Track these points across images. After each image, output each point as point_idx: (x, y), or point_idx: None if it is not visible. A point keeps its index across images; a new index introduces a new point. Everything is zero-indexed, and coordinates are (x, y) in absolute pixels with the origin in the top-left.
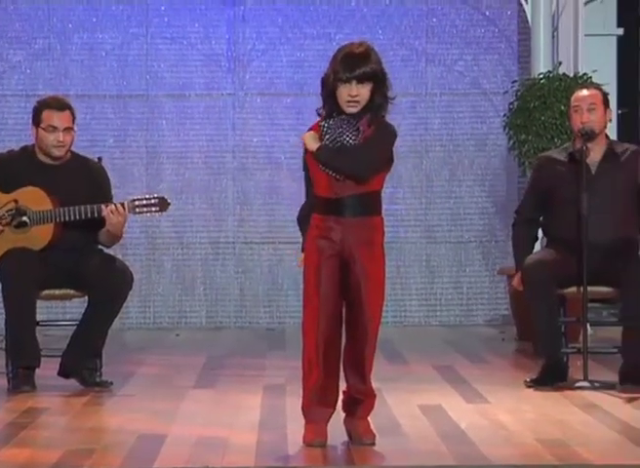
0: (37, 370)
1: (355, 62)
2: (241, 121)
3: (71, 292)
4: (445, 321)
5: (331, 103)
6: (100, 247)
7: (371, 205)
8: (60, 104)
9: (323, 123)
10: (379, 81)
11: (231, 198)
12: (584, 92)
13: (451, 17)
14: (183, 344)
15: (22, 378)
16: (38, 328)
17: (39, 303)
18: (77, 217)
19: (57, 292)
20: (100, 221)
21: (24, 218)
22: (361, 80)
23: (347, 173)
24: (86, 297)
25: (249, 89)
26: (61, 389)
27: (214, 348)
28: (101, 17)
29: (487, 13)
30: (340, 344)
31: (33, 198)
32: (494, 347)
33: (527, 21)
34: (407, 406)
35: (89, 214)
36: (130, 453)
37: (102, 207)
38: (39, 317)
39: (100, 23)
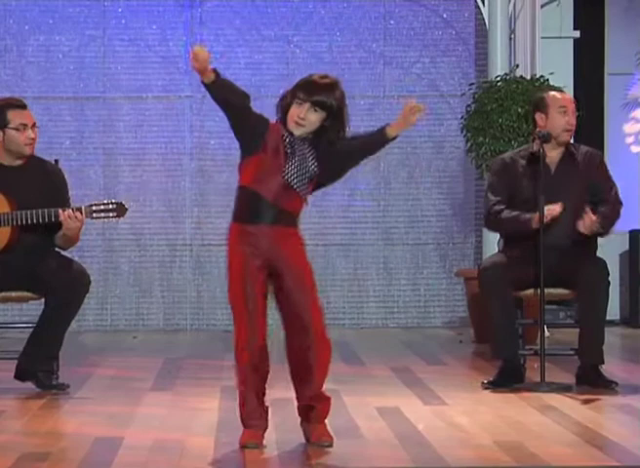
0: None
1: (314, 89)
2: (198, 123)
3: (28, 294)
4: (402, 323)
5: (281, 118)
6: (57, 249)
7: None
8: (21, 103)
9: (284, 133)
10: (333, 115)
11: (189, 200)
12: (566, 95)
13: (408, 19)
14: (141, 347)
15: None
16: None
17: None
18: (34, 221)
19: (13, 294)
20: (57, 224)
21: None
22: (315, 106)
23: None
24: (43, 300)
25: (206, 91)
26: (17, 392)
27: (171, 351)
28: (58, 18)
29: (444, 15)
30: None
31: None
32: (451, 349)
33: (484, 24)
34: (364, 408)
35: (46, 219)
36: (86, 457)
37: (60, 211)
38: None
39: (57, 25)
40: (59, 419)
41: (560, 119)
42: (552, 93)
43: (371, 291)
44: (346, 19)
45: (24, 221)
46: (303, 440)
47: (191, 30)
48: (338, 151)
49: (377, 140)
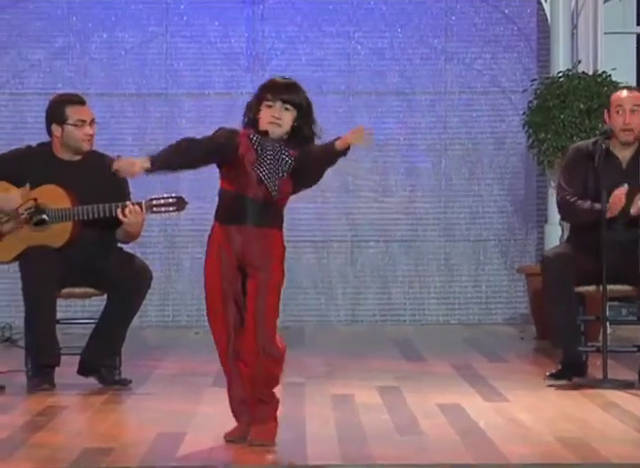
0: (56, 369)
1: (282, 88)
2: None
3: (91, 290)
4: (464, 319)
5: (251, 125)
6: (119, 244)
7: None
8: (80, 99)
9: (252, 136)
10: (302, 111)
11: None
12: (625, 92)
13: (470, 15)
14: (202, 343)
15: (42, 377)
16: (57, 326)
17: (58, 301)
18: (95, 216)
19: (76, 290)
20: (118, 219)
21: (43, 216)
22: (285, 102)
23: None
24: (105, 296)
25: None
26: (80, 387)
27: None
28: (121, 15)
29: (506, 11)
30: None
31: (52, 196)
32: (512, 346)
33: (546, 20)
34: (425, 404)
35: (107, 213)
36: (148, 453)
37: (120, 206)
38: (58, 315)
39: (120, 22)
40: (121, 415)
41: (616, 118)
42: (619, 92)
43: (432, 287)
44: (408, 16)
45: (86, 216)
46: (365, 435)
47: (253, 27)
48: (309, 153)
49: (328, 153)
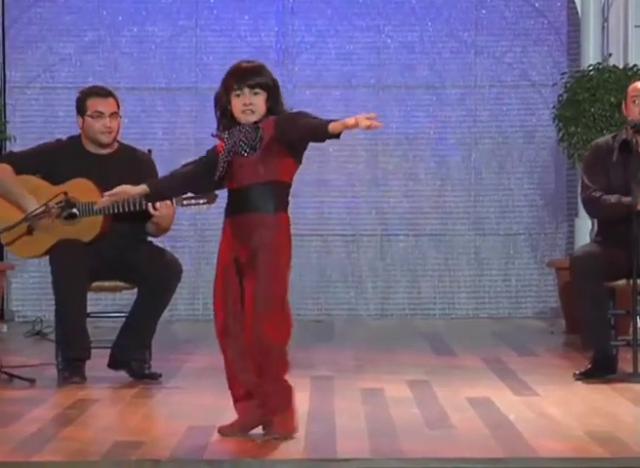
0: (87, 362)
1: (246, 74)
2: None
3: (121, 283)
4: (493, 313)
5: (226, 122)
6: (149, 238)
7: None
8: (103, 91)
9: (223, 135)
10: (271, 91)
11: None
12: None
13: (500, 8)
14: None
15: (73, 370)
16: (88, 319)
17: (89, 295)
18: (126, 209)
19: (106, 283)
20: (148, 213)
21: (74, 210)
22: (253, 87)
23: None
24: (135, 289)
25: (298, 81)
26: (111, 381)
27: None
28: (151, 9)
29: (536, 4)
30: None
31: (82, 189)
32: (542, 340)
33: (576, 13)
34: (455, 398)
35: (137, 207)
36: (178, 446)
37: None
38: (89, 309)
39: (150, 16)
40: (151, 408)
41: (632, 108)
42: (635, 82)
43: (462, 281)
44: (438, 9)
45: (116, 210)
46: (394, 429)
47: (283, 21)
48: (293, 119)
49: (320, 131)
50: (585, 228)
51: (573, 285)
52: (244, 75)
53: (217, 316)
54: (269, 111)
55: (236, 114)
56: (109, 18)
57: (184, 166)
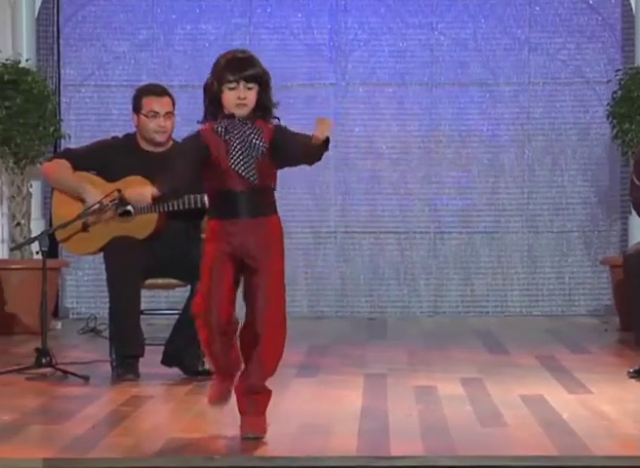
0: (141, 359)
1: (241, 65)
2: (343, 111)
3: (174, 281)
4: (547, 311)
5: (214, 110)
6: (202, 236)
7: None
8: (159, 90)
9: (217, 126)
10: (264, 84)
11: (333, 188)
12: None
13: (554, 5)
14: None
15: (127, 367)
16: (142, 317)
17: (142, 292)
18: (181, 207)
19: (160, 280)
20: (202, 211)
21: (129, 208)
22: (248, 81)
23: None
24: (188, 286)
25: (351, 79)
26: (164, 378)
27: (315, 337)
28: (204, 7)
29: (590, 1)
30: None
31: (137, 187)
32: (596, 338)
33: (631, 9)
34: (508, 395)
35: (192, 204)
36: (231, 441)
37: (205, 197)
38: (142, 306)
39: (203, 14)
40: (204, 406)
41: None
42: None
43: (515, 278)
44: (491, 6)
45: (171, 207)
46: (447, 426)
47: (336, 18)
48: (290, 138)
49: (311, 148)
50: (639, 226)
51: (626, 282)
52: (239, 67)
53: (205, 325)
54: (258, 104)
55: (228, 106)
56: (163, 16)
57: (168, 169)
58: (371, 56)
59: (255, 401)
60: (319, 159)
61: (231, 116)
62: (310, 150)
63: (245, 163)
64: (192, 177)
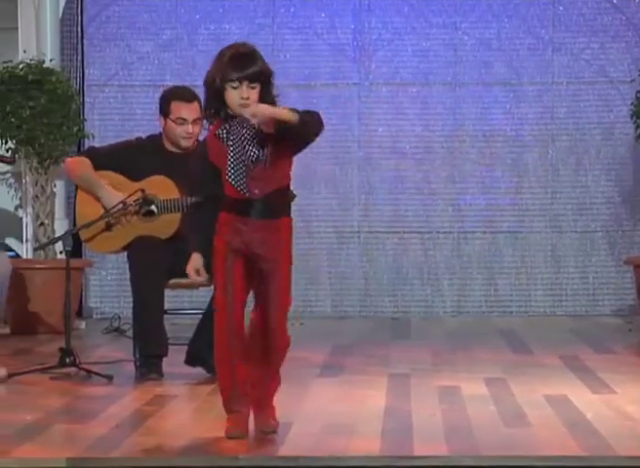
0: (164, 359)
1: (244, 62)
2: (366, 111)
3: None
4: (571, 311)
5: (217, 105)
6: None
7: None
8: (188, 96)
9: (219, 130)
10: (266, 80)
11: (356, 188)
12: None
13: (578, 5)
14: (308, 333)
15: (150, 366)
16: (165, 316)
17: (166, 292)
18: None
19: (183, 280)
20: None
21: (152, 207)
22: (251, 81)
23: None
24: (212, 286)
25: (374, 78)
26: (188, 377)
27: (338, 337)
28: (228, 7)
29: (614, 0)
30: None
31: (162, 187)
32: (620, 338)
33: None
34: (532, 395)
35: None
36: (255, 441)
37: None
38: (166, 306)
39: (227, 14)
40: None
41: None
42: None
43: (539, 278)
44: (515, 6)
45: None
46: (471, 426)
47: (359, 18)
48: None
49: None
50: None
51: None
52: (241, 66)
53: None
54: (260, 101)
55: (232, 106)
56: (186, 16)
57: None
58: (394, 55)
59: (267, 391)
60: (311, 136)
61: (233, 117)
62: (292, 132)
63: (235, 174)
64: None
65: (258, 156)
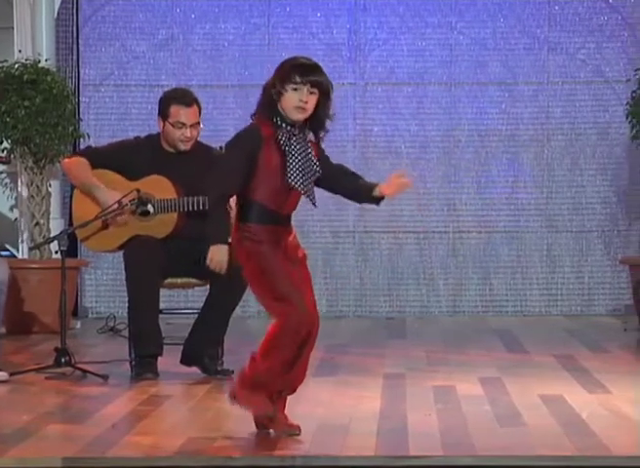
0: (160, 359)
1: (309, 69)
2: (361, 110)
3: (193, 280)
4: (566, 310)
5: (271, 110)
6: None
7: None
8: (187, 100)
9: (278, 133)
10: (325, 95)
11: None
12: None
13: (573, 4)
14: None
15: (145, 366)
16: (161, 316)
17: (161, 292)
18: (201, 207)
19: (179, 280)
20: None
21: (148, 207)
22: (312, 85)
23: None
24: (208, 286)
25: (370, 78)
26: (183, 377)
27: (334, 337)
28: (223, 7)
29: (610, 0)
30: None
31: (158, 186)
32: (615, 337)
33: None
34: (528, 395)
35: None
36: (250, 441)
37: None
38: (161, 305)
39: (222, 14)
40: (224, 404)
41: None
42: None
43: (534, 278)
44: (510, 5)
45: (191, 208)
46: (466, 426)
47: (355, 18)
48: (327, 166)
49: (363, 194)
50: None
51: None
52: (308, 70)
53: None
54: (314, 114)
55: (287, 108)
56: (182, 15)
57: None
58: (390, 55)
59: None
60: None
61: (289, 124)
62: (360, 196)
63: (304, 181)
64: (237, 186)
65: (317, 172)
